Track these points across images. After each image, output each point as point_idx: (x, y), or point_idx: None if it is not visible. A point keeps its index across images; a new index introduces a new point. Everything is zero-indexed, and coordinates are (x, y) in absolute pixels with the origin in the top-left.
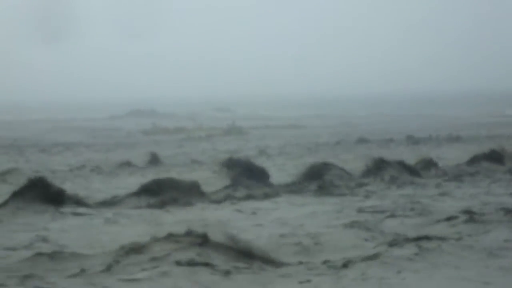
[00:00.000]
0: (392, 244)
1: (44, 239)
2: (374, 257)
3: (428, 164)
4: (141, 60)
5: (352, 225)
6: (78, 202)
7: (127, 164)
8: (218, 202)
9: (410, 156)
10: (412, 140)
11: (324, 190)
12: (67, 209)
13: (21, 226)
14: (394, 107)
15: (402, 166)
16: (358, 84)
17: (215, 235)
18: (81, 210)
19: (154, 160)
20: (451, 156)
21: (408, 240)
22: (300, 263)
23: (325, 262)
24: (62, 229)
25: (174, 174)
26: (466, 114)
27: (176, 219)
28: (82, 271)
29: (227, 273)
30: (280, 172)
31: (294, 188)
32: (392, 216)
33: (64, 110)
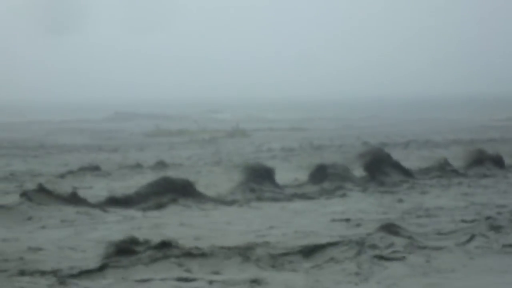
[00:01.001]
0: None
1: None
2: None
3: (444, 165)
4: (140, 59)
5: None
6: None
7: (139, 166)
8: (260, 200)
9: (420, 158)
10: (418, 143)
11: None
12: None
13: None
14: (396, 110)
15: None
16: (359, 86)
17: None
18: (126, 211)
19: (164, 162)
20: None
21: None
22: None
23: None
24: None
25: (192, 175)
26: (470, 117)
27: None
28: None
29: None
30: (296, 173)
31: (322, 187)
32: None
33: (63, 111)
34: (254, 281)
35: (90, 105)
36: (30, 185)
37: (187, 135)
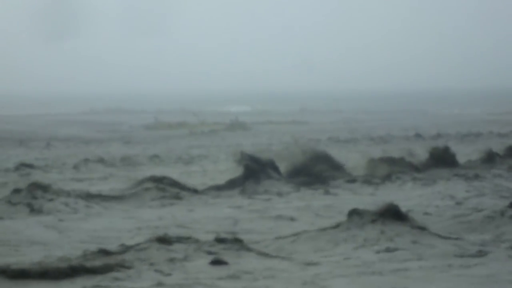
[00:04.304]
0: None
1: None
2: None
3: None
4: (139, 56)
5: None
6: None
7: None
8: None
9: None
10: (421, 137)
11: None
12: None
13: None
14: (394, 103)
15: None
16: (357, 79)
17: None
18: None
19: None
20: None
21: None
22: None
23: None
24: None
25: (207, 167)
26: (476, 111)
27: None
28: None
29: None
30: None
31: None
32: None
33: (65, 104)
34: None
35: (101, 99)
36: None
37: (186, 128)
